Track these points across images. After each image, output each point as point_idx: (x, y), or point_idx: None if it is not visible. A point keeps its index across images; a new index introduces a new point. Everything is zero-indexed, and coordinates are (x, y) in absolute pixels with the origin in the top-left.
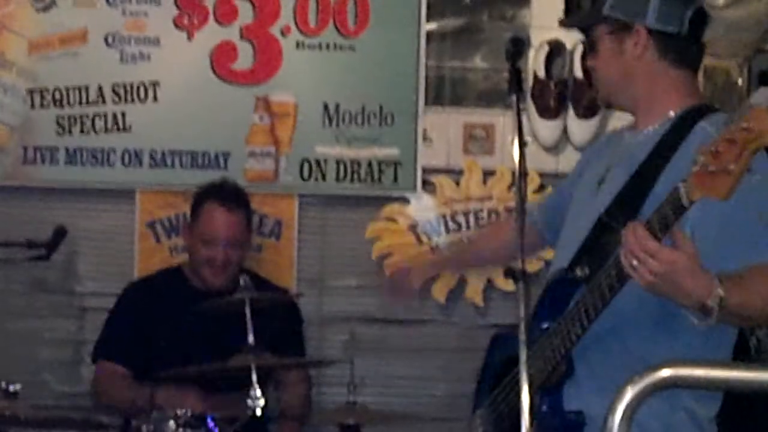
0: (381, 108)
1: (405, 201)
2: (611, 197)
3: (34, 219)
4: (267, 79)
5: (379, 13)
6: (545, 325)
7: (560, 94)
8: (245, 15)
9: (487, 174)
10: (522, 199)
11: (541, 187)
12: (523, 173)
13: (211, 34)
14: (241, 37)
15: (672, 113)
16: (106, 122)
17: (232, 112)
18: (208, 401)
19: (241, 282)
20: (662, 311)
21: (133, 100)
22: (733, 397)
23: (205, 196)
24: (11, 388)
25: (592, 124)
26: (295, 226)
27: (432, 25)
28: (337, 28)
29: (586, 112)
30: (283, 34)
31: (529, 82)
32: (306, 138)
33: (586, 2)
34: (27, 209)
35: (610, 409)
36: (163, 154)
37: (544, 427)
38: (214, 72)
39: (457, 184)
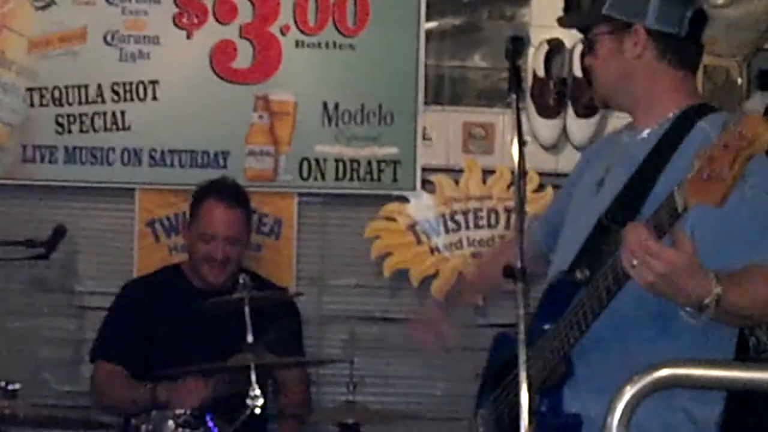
0: (380, 107)
1: (404, 200)
2: (611, 198)
3: (34, 218)
4: (266, 78)
5: (378, 12)
6: (546, 327)
7: (560, 94)
8: (245, 14)
9: (487, 173)
10: (521, 198)
11: (541, 187)
12: (522, 172)
13: (210, 33)
14: (241, 35)
15: (671, 113)
16: (105, 121)
17: (232, 111)
18: (210, 384)
19: (241, 281)
20: (662, 312)
21: (132, 98)
22: (737, 400)
23: (204, 193)
24: (11, 387)
25: (591, 123)
26: (295, 225)
27: (431, 24)
28: (336, 27)
29: (586, 111)
30: (282, 32)
31: (529, 81)
32: (305, 137)
33: (585, 1)
34: (26, 208)
35: (609, 408)
36: (163, 153)
37: (543, 428)
38: (214, 71)
39: (457, 183)
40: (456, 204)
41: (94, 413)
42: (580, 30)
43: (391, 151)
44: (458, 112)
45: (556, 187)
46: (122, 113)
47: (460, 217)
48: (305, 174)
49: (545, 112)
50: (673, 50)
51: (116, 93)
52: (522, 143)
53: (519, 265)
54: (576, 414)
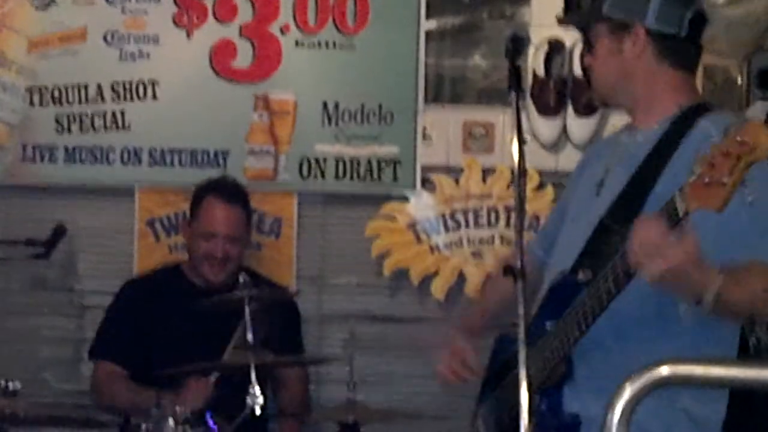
0: (380, 106)
1: (404, 199)
2: (612, 199)
3: (34, 217)
4: (266, 78)
5: (378, 12)
6: (547, 326)
7: (560, 93)
8: (245, 13)
9: (487, 172)
10: (521, 197)
11: (541, 185)
12: (522, 171)
13: (210, 33)
14: (241, 35)
15: (670, 113)
16: (105, 120)
17: (232, 110)
18: (211, 384)
19: (241, 280)
20: (662, 313)
21: (132, 98)
22: (739, 399)
23: (204, 191)
24: (11, 386)
25: (591, 122)
26: (295, 224)
27: (431, 24)
28: (336, 26)
29: (586, 110)
30: (282, 32)
31: (529, 80)
32: (305, 136)
33: (585, 1)
34: (26, 207)
35: (609, 407)
36: (163, 152)
37: (543, 427)
38: (214, 70)
39: (457, 182)
40: (456, 203)
41: (94, 412)
42: (580, 29)
43: (391, 150)
44: (458, 111)
45: (556, 185)
46: (122, 113)
47: (460, 216)
48: (305, 173)
49: (545, 111)
50: (673, 51)
51: (116, 92)
52: (522, 142)
53: (519, 264)
54: (575, 414)
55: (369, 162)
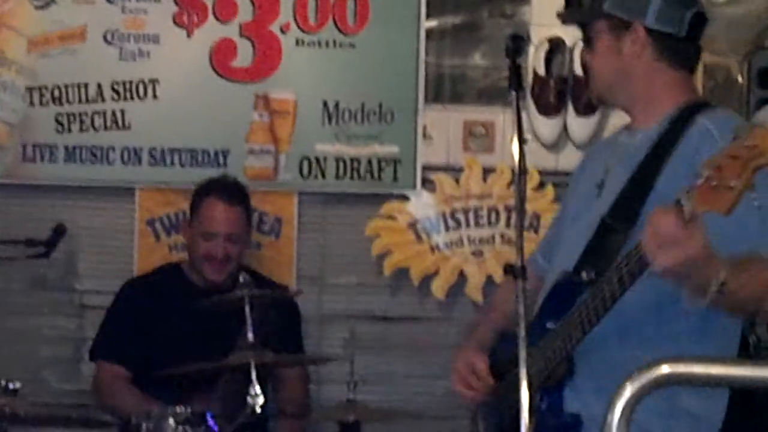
0: (381, 106)
1: (405, 199)
2: (613, 198)
3: (34, 217)
4: (266, 77)
5: (378, 11)
6: (549, 326)
7: (560, 92)
8: (245, 12)
9: (487, 171)
10: (522, 196)
11: (541, 185)
12: (522, 171)
13: (210, 32)
14: (241, 34)
15: (669, 112)
16: (105, 120)
17: (232, 109)
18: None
19: (241, 279)
20: (663, 313)
21: (132, 97)
22: (739, 398)
23: (205, 191)
24: (11, 385)
25: (592, 121)
26: (295, 223)
27: (432, 23)
28: (336, 25)
29: (586, 109)
30: (282, 31)
31: (529, 79)
32: (306, 136)
33: None
34: (26, 207)
35: (610, 406)
36: (163, 151)
37: (543, 427)
38: (214, 69)
39: (457, 181)
40: (456, 202)
41: (94, 412)
42: (580, 26)
43: (391, 149)
44: (458, 110)
45: (556, 185)
46: (122, 112)
47: (460, 216)
48: (305, 173)
49: (546, 110)
50: (672, 50)
51: (116, 92)
52: (522, 141)
53: (519, 263)
54: (576, 414)
55: (369, 161)
